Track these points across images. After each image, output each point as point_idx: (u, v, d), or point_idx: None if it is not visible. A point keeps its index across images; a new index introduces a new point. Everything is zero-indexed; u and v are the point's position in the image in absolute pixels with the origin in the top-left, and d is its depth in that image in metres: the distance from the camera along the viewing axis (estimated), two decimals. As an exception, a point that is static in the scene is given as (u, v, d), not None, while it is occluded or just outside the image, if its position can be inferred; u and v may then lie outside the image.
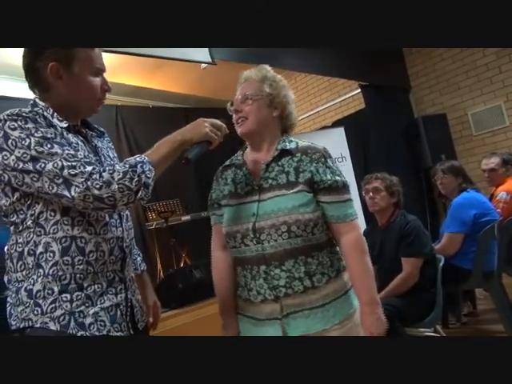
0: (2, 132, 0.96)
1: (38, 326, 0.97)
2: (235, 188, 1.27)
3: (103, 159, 1.13)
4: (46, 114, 1.05)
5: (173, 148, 1.06)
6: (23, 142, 0.95)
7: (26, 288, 0.99)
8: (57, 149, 0.96)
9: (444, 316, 2.70)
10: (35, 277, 0.99)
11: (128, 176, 0.96)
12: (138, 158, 1.01)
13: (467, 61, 4.19)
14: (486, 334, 2.79)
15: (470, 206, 2.63)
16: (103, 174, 0.95)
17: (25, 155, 0.95)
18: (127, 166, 0.98)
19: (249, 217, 1.20)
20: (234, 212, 1.24)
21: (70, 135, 1.06)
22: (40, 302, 0.98)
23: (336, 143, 3.92)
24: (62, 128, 1.04)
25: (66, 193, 0.94)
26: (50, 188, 0.95)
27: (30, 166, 0.95)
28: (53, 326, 0.96)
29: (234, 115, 1.27)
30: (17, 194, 1.00)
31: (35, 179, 0.95)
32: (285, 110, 1.29)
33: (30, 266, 0.99)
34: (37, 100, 1.08)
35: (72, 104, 1.08)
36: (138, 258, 1.36)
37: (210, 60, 3.03)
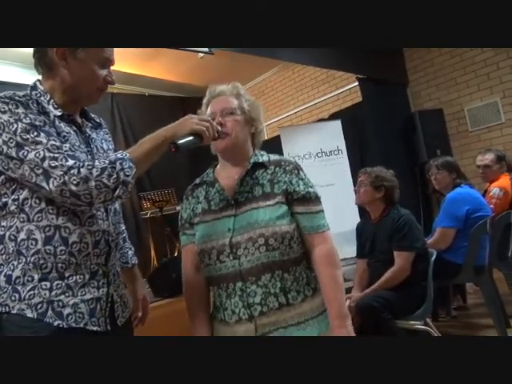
0: None
1: (15, 312, 0.95)
2: (209, 205, 1.24)
3: (95, 151, 1.11)
4: (42, 99, 1.03)
5: (156, 144, 1.03)
6: (10, 127, 0.94)
7: (5, 273, 0.98)
8: (42, 138, 0.94)
9: (434, 309, 2.72)
10: (15, 263, 0.97)
11: (106, 173, 0.94)
12: (118, 155, 0.99)
13: (465, 56, 4.19)
14: (475, 327, 2.83)
15: (463, 201, 2.65)
16: (81, 169, 0.93)
17: (11, 140, 0.94)
18: (107, 162, 0.96)
19: (224, 232, 1.17)
20: (208, 228, 1.21)
21: (63, 124, 1.05)
22: (18, 288, 0.96)
23: (332, 136, 3.92)
24: (54, 116, 1.03)
25: (45, 184, 0.93)
26: (30, 177, 0.94)
27: (13, 153, 0.94)
28: (29, 314, 0.95)
29: None
30: (2, 178, 0.98)
31: (17, 166, 0.94)
32: (258, 127, 1.30)
33: (11, 251, 0.98)
34: (37, 83, 1.07)
35: (72, 89, 1.06)
36: (130, 252, 1.35)
37: (206, 49, 3.00)
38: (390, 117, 4.21)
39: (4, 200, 0.99)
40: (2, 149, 0.94)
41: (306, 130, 4.11)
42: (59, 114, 1.04)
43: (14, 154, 0.94)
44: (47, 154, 0.93)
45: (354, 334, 1.17)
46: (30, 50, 1.08)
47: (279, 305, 1.15)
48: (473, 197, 2.71)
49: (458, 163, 3.00)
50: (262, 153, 1.29)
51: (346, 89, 4.89)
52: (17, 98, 0.97)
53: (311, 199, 1.20)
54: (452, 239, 2.62)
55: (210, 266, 1.20)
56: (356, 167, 3.73)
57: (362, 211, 2.84)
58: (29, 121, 0.95)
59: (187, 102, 5.23)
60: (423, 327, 2.22)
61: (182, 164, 5.22)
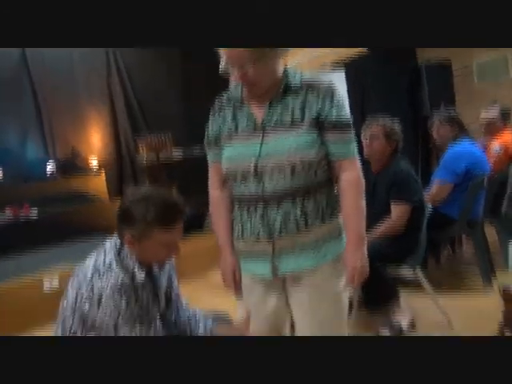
0: (97, 299, 1.18)
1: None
2: (236, 127, 1.21)
3: (159, 295, 1.36)
4: (128, 261, 1.24)
5: None
6: (113, 315, 1.18)
7: None
8: (136, 328, 1.20)
9: (424, 258, 2.80)
10: None
11: None
12: None
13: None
14: (461, 275, 2.94)
15: (463, 157, 2.65)
16: None
17: (111, 321, 1.18)
18: None
19: (250, 156, 1.16)
20: (234, 152, 1.20)
21: (143, 287, 1.26)
22: None
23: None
24: (138, 280, 1.24)
25: None
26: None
27: (112, 331, 1.18)
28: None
29: (234, 77, 1.14)
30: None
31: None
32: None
33: None
34: (125, 244, 1.25)
35: (141, 259, 1.26)
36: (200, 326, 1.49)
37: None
38: (394, 68, 4.09)
39: None
40: (102, 324, 1.19)
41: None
42: (143, 277, 1.25)
43: (112, 332, 1.18)
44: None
45: (367, 258, 1.22)
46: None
47: (298, 229, 1.17)
48: (473, 153, 2.70)
49: (461, 118, 2.96)
50: (293, 73, 1.20)
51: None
52: (123, 291, 1.19)
53: (343, 127, 1.17)
54: (447, 194, 2.64)
55: (235, 186, 1.22)
56: (357, 118, 3.66)
57: (362, 161, 2.83)
58: (128, 314, 1.19)
59: (188, 56, 5.03)
60: (412, 275, 2.29)
61: (180, 108, 5.11)
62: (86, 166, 4.99)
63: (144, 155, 4.70)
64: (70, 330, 1.27)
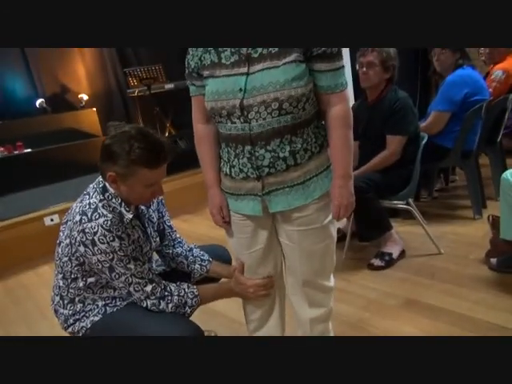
0: (91, 240, 1.19)
1: (89, 325, 1.35)
2: (219, 57, 1.13)
3: (149, 232, 1.39)
4: (113, 201, 1.25)
5: (220, 298, 1.42)
6: (107, 256, 1.21)
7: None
8: (131, 265, 1.24)
9: (417, 190, 2.84)
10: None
11: (179, 310, 1.30)
12: (194, 301, 1.32)
13: None
14: (453, 207, 3.00)
15: (462, 84, 2.57)
16: (161, 302, 1.27)
17: (105, 263, 1.22)
18: (182, 302, 1.30)
19: (235, 92, 1.10)
20: (218, 85, 1.13)
21: (132, 224, 1.28)
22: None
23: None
24: (127, 219, 1.26)
25: (129, 297, 1.33)
26: (117, 287, 1.30)
27: (106, 272, 1.24)
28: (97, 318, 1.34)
29: None
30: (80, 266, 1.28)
31: (107, 279, 1.28)
32: None
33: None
34: (107, 185, 1.26)
35: (125, 199, 1.27)
36: (196, 266, 1.54)
37: None
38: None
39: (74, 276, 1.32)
40: (98, 264, 1.23)
41: None
42: (131, 216, 1.27)
43: (107, 273, 1.24)
44: (134, 280, 1.25)
45: (353, 194, 1.22)
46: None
47: (287, 166, 1.16)
48: (473, 79, 2.61)
49: (463, 42, 2.81)
50: None
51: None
52: (114, 231, 1.21)
53: (333, 54, 1.10)
54: (445, 123, 2.60)
55: (221, 124, 1.18)
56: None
57: (358, 91, 2.75)
58: (122, 253, 1.22)
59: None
60: (405, 206, 2.34)
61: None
62: (77, 101, 4.87)
63: (135, 89, 4.55)
64: (70, 276, 1.30)
